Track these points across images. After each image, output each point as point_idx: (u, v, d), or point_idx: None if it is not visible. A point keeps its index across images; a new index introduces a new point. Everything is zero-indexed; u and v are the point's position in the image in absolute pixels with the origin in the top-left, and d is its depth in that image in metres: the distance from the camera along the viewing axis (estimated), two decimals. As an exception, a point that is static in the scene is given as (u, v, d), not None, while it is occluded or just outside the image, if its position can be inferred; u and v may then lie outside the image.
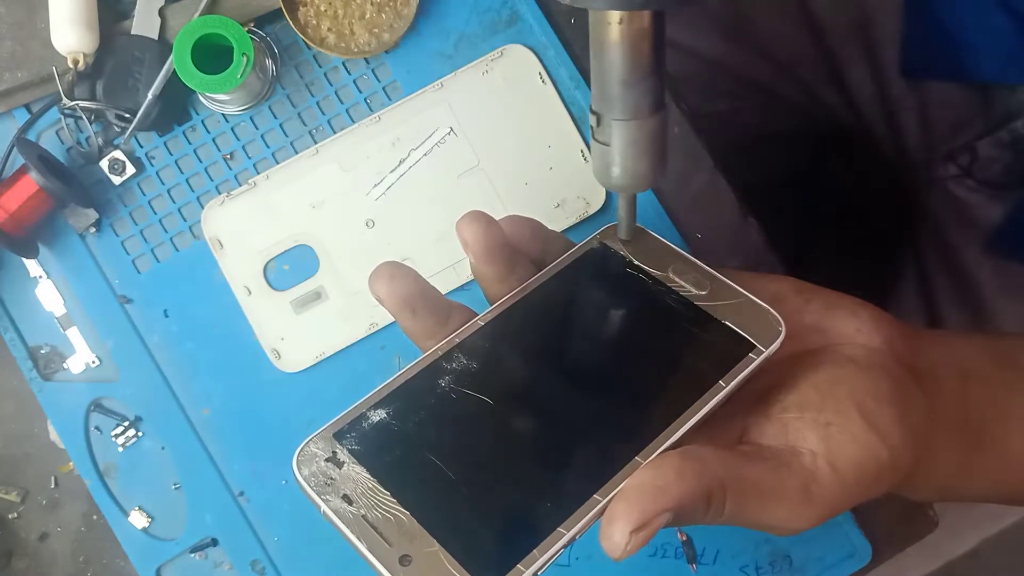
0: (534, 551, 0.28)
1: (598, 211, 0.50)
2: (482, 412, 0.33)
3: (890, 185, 0.75)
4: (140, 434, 0.49)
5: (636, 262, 0.38)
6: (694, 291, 0.37)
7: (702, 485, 0.30)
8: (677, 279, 0.37)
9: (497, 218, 0.36)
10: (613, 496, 0.30)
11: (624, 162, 0.34)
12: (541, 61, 0.50)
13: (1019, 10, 0.59)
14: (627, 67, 0.33)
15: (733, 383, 0.34)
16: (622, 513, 0.29)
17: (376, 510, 0.29)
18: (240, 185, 0.49)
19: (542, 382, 0.34)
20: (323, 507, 0.30)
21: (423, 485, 0.31)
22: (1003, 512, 0.76)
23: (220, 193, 0.49)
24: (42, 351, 0.49)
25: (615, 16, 0.32)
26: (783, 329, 0.35)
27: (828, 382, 0.34)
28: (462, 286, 0.50)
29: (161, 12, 0.48)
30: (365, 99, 0.50)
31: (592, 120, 0.35)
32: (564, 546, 0.29)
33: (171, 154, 0.50)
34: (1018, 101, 0.65)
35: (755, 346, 0.35)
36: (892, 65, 0.70)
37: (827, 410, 0.33)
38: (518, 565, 0.28)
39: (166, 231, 0.50)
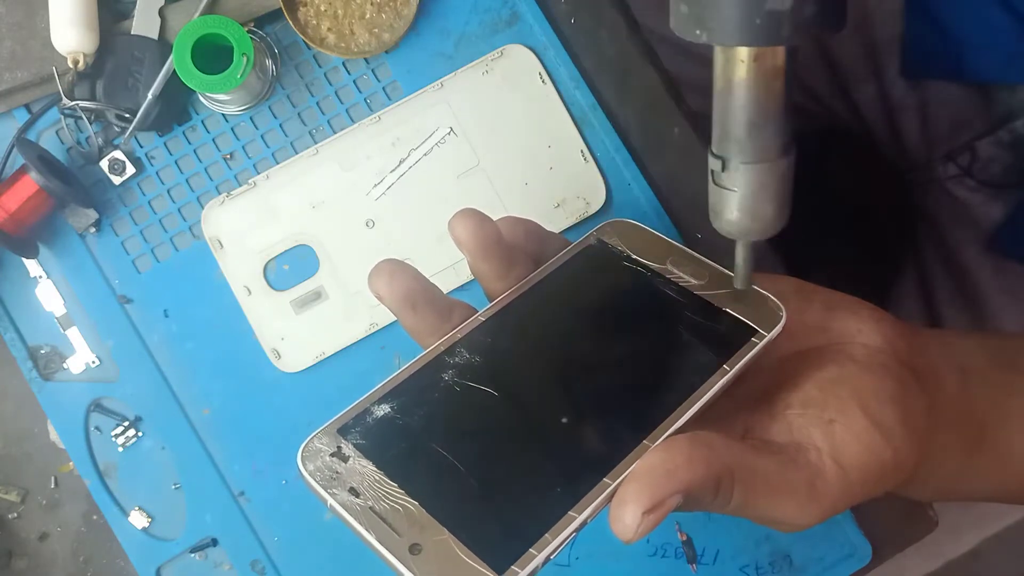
0: (546, 535, 0.28)
1: (598, 211, 0.50)
2: (488, 403, 0.33)
3: (890, 185, 0.75)
4: (140, 434, 0.49)
5: (634, 256, 0.38)
6: (693, 281, 0.37)
7: (712, 469, 0.30)
8: (675, 270, 0.38)
9: (495, 218, 0.36)
10: (623, 479, 0.30)
11: (751, 207, 0.33)
12: (541, 61, 0.50)
13: (1019, 10, 0.59)
14: (758, 108, 0.31)
15: (737, 367, 0.34)
16: (633, 495, 0.29)
17: (384, 501, 0.29)
18: (240, 185, 0.49)
19: (548, 372, 0.34)
20: (330, 500, 0.30)
21: (430, 475, 0.30)
22: (1003, 512, 0.76)
23: (220, 193, 0.49)
24: (42, 351, 0.49)
25: (746, 53, 0.30)
26: (783, 314, 0.35)
27: (831, 380, 0.34)
28: (462, 286, 0.50)
29: (161, 12, 0.48)
30: (365, 99, 0.50)
31: (714, 164, 0.33)
32: (576, 530, 0.29)
33: (171, 154, 0.50)
34: (1018, 101, 0.65)
35: (756, 331, 0.35)
36: (892, 65, 0.70)
37: (830, 408, 0.33)
38: (530, 549, 0.28)
39: (166, 231, 0.50)
